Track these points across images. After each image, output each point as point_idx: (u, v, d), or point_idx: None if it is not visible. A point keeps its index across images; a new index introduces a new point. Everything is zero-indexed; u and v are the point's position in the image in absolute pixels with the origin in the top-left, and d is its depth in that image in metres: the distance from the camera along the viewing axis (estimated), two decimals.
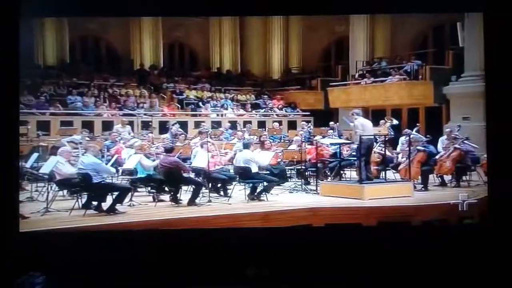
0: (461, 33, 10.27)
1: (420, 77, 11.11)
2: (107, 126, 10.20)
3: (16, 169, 6.25)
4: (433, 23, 11.75)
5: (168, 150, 7.78)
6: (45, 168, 7.15)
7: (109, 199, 7.01)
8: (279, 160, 8.70)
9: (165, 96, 11.99)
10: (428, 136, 8.73)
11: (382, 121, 9.90)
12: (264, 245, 6.06)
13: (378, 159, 8.45)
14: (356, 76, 12.11)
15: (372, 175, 8.03)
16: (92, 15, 9.34)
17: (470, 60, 9.91)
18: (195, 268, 6.03)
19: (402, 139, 8.90)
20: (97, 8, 6.63)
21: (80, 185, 6.92)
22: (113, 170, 7.48)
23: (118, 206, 7.00)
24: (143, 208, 7.24)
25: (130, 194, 7.26)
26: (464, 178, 8.35)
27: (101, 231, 6.37)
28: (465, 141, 8.28)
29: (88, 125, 10.05)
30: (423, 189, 8.16)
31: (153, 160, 7.81)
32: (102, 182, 7.02)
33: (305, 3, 6.64)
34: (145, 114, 10.92)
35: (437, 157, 8.39)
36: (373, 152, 8.17)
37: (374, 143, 8.24)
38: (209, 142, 8.37)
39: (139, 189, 7.83)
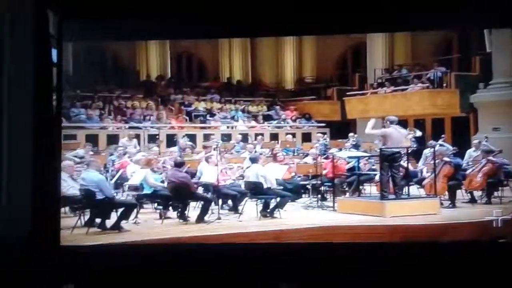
0: (488, 37, 9.71)
1: (444, 85, 10.49)
2: (112, 139, 9.85)
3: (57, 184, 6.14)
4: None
5: (178, 165, 7.48)
6: None
7: (114, 216, 6.76)
8: (293, 174, 8.35)
9: (173, 108, 11.63)
10: (454, 148, 8.26)
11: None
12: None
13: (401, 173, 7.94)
14: (375, 85, 11.54)
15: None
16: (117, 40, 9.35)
17: (499, 66, 9.29)
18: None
19: (426, 152, 8.43)
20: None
21: (83, 201, 6.73)
22: (113, 192, 7.22)
23: (123, 223, 6.75)
24: (149, 226, 6.98)
25: (135, 210, 6.99)
26: (495, 194, 7.80)
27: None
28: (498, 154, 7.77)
29: (92, 139, 9.65)
30: (450, 206, 7.68)
31: (160, 174, 7.55)
32: (106, 198, 6.76)
33: (318, 24, 6.27)
34: (152, 127, 10.59)
35: (467, 172, 7.90)
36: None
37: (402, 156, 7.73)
38: (213, 155, 8.01)
39: (144, 206, 7.52)
